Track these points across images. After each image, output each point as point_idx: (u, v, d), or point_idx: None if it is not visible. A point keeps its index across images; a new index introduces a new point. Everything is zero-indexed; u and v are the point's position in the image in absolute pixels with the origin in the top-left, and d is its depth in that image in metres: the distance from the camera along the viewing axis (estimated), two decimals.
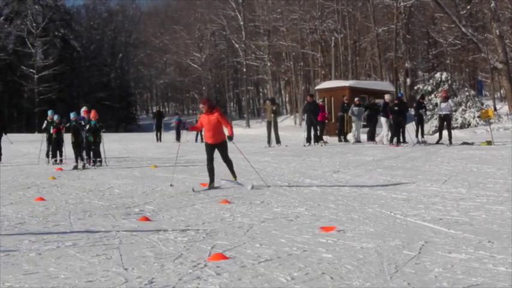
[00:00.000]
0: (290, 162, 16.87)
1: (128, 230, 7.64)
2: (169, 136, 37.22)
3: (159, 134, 33.55)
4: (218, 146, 12.01)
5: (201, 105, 12.49)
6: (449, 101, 22.48)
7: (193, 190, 11.44)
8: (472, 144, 22.00)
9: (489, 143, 21.50)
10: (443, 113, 21.98)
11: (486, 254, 5.97)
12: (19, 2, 69.06)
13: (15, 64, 65.50)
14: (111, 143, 26.85)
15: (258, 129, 50.07)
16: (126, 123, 76.49)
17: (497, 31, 36.39)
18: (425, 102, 24.92)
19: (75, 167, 17.13)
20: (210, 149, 12.04)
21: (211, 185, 11.83)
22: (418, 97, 27.33)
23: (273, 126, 23.94)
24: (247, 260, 5.94)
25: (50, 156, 19.15)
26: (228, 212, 8.94)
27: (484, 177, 12.43)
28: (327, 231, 7.28)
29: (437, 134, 27.46)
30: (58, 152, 19.29)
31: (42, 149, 19.63)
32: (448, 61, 49.26)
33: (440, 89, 31.97)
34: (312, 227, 7.63)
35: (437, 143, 22.16)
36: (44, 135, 19.75)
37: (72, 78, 71.07)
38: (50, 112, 20.15)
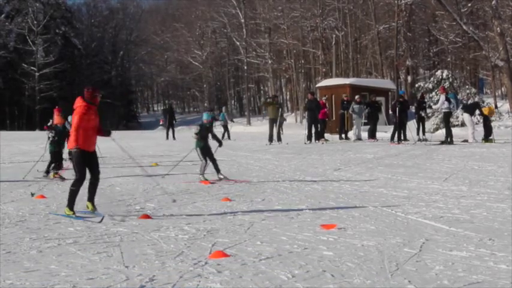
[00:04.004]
0: (291, 160, 16.86)
1: (128, 228, 7.65)
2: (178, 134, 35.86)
3: (171, 131, 31.81)
4: (94, 155, 8.84)
5: (99, 93, 8.88)
6: (442, 96, 21.78)
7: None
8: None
9: (490, 140, 21.49)
10: (442, 110, 21.77)
11: (487, 252, 5.96)
12: (20, 0, 69.08)
13: (16, 62, 65.55)
14: (112, 141, 26.81)
15: (259, 126, 50.10)
16: (127, 120, 76.61)
17: (498, 29, 36.35)
18: (425, 102, 24.67)
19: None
20: (88, 160, 8.70)
21: (72, 212, 8.60)
22: (418, 96, 27.23)
23: (278, 123, 23.94)
24: (248, 257, 5.94)
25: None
26: (229, 210, 8.94)
27: (485, 175, 12.43)
28: (328, 228, 7.29)
29: (437, 132, 27.48)
30: None
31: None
32: (449, 59, 49.22)
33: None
34: (313, 224, 7.63)
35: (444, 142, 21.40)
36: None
37: (73, 76, 71.13)
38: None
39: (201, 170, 12.78)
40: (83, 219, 8.25)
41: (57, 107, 17.12)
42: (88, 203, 8.83)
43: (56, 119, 14.95)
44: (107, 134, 9.16)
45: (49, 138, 14.73)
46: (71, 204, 8.60)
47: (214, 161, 12.79)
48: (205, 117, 13.45)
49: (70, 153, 8.81)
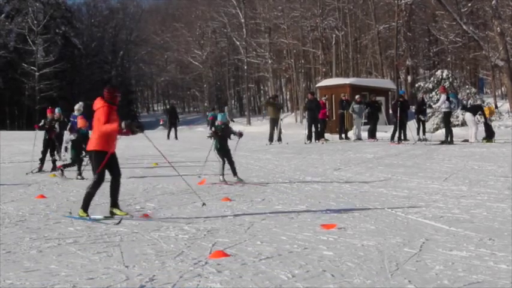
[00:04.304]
0: (291, 160, 16.86)
1: (128, 228, 7.64)
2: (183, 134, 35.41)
3: (173, 131, 31.58)
4: (114, 156, 8.55)
5: (119, 94, 8.66)
6: (443, 96, 21.71)
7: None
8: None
9: (490, 140, 21.48)
10: (443, 110, 21.71)
11: (487, 252, 5.96)
12: (20, 0, 69.08)
13: (16, 61, 65.52)
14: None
15: (259, 126, 50.08)
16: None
17: (498, 28, 36.34)
18: (425, 105, 24.57)
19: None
20: (109, 161, 8.40)
21: (86, 214, 8.35)
22: (418, 97, 27.19)
23: (277, 123, 23.96)
24: (248, 257, 5.94)
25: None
26: (229, 210, 8.94)
27: (485, 175, 12.44)
28: (328, 228, 7.29)
29: (437, 132, 27.48)
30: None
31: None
32: (449, 59, 49.22)
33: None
34: (313, 224, 7.63)
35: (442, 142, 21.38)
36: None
37: (73, 75, 71.13)
38: (57, 110, 19.65)
39: (220, 170, 12.40)
40: (99, 221, 8.09)
41: (50, 107, 16.93)
42: (112, 209, 8.44)
43: (80, 122, 14.50)
44: (138, 131, 8.60)
45: (69, 142, 14.46)
46: (85, 206, 8.32)
47: (232, 163, 12.40)
48: (219, 118, 12.97)
49: (90, 155, 8.46)
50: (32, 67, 65.52)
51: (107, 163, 8.31)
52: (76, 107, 17.21)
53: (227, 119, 13.16)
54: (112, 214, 8.42)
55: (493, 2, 36.39)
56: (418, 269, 5.39)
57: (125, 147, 25.39)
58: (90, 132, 16.32)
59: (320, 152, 19.28)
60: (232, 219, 8.12)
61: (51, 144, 15.90)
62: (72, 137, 14.33)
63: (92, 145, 8.38)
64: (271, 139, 23.88)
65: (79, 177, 13.77)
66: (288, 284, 5.01)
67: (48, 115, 16.03)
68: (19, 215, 8.75)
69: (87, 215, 8.30)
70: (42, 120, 15.96)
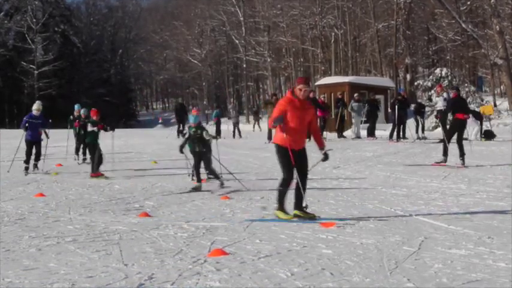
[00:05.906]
0: None
1: (127, 226, 7.64)
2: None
3: (182, 129, 30.77)
4: (300, 154, 7.86)
5: (302, 86, 7.75)
6: (444, 94, 21.68)
7: None
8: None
9: (489, 139, 21.48)
10: (439, 108, 21.66)
11: (486, 250, 5.96)
12: None
13: (16, 60, 65.46)
14: (111, 139, 26.76)
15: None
16: (126, 119, 76.47)
17: (497, 27, 36.32)
18: (424, 108, 24.50)
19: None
20: (290, 158, 7.71)
21: (310, 214, 7.83)
22: (417, 95, 27.20)
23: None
24: (247, 255, 5.94)
25: (81, 153, 18.00)
26: (228, 208, 8.94)
27: (484, 173, 12.44)
28: (327, 227, 7.28)
29: (436, 130, 27.47)
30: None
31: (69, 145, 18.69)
32: (448, 57, 49.16)
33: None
34: (312, 222, 7.63)
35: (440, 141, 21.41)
36: (71, 132, 18.65)
37: (72, 74, 71.02)
38: (76, 106, 18.98)
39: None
40: (311, 221, 7.61)
41: (92, 108, 16.10)
42: (296, 212, 7.77)
43: (194, 113, 13.54)
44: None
45: (184, 134, 13.25)
46: (281, 205, 7.80)
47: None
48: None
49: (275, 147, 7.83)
50: (31, 65, 65.44)
51: (295, 161, 7.71)
52: (34, 106, 16.12)
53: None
54: (296, 216, 7.77)
55: (492, 1, 36.36)
56: (417, 267, 5.39)
57: (124, 144, 25.38)
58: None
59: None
60: (231, 217, 8.12)
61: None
62: (191, 132, 12.58)
63: (275, 138, 7.93)
64: (270, 137, 23.86)
65: (194, 177, 11.97)
66: (287, 283, 5.00)
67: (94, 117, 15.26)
68: (18, 214, 8.75)
69: (291, 216, 7.77)
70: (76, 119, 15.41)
